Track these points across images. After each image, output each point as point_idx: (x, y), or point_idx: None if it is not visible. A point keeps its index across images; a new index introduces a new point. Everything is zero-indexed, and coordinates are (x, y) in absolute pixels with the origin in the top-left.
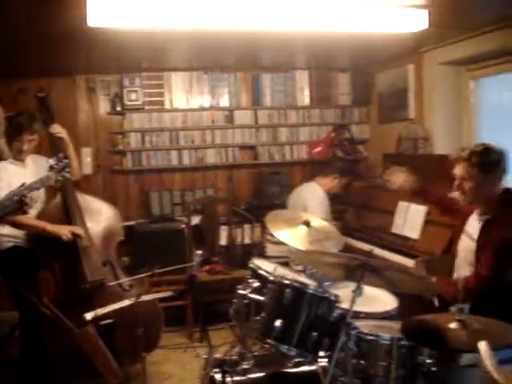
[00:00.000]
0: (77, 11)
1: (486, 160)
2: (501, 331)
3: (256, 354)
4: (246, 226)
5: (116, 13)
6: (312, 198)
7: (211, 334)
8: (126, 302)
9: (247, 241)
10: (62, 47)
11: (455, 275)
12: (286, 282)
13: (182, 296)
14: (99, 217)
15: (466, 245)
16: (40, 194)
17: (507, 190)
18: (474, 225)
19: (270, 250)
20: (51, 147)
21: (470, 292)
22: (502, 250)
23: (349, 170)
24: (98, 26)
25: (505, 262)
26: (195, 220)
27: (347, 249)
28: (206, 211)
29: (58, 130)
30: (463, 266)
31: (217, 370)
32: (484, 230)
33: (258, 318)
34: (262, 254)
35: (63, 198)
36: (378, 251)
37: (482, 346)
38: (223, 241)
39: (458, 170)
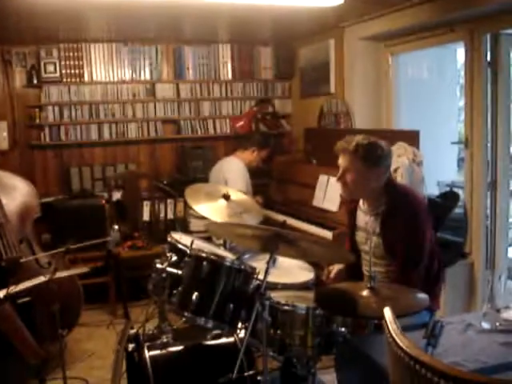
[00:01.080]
0: None
1: (372, 154)
2: (409, 298)
3: (174, 327)
4: (169, 201)
5: None
6: (232, 171)
7: (135, 310)
8: (40, 279)
9: (170, 216)
10: None
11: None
12: (203, 254)
13: (104, 272)
14: (14, 193)
15: (363, 238)
16: None
17: (388, 183)
18: (366, 220)
19: (194, 224)
20: None
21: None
22: (410, 238)
23: (267, 142)
24: None
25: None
26: (117, 195)
27: (268, 222)
28: (128, 186)
29: None
30: (375, 262)
31: (132, 344)
32: (385, 224)
33: (175, 291)
34: (186, 229)
35: None
36: (298, 224)
37: (387, 311)
38: (146, 216)
39: (343, 161)
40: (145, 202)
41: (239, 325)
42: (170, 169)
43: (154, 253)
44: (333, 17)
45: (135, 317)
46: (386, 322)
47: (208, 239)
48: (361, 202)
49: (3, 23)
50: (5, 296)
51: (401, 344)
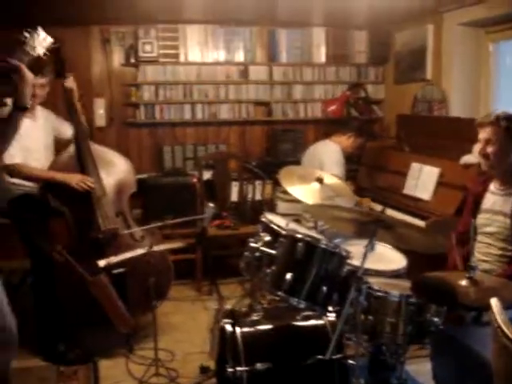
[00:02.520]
0: None
1: None
2: (510, 290)
3: (265, 306)
4: (257, 183)
5: None
6: (328, 155)
7: (220, 288)
8: (138, 251)
9: (258, 197)
10: None
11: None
12: (299, 236)
13: (192, 249)
14: (113, 168)
15: (488, 221)
16: (49, 144)
17: None
18: (494, 200)
19: (281, 207)
20: (64, 100)
21: None
22: None
23: (365, 130)
24: None
25: None
26: (207, 175)
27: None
28: (218, 167)
29: (70, 84)
30: (490, 244)
31: (227, 320)
32: None
33: (268, 270)
34: (273, 211)
35: (77, 148)
36: (388, 211)
37: (494, 301)
38: (234, 197)
39: (483, 134)
40: (233, 183)
41: (330, 308)
42: (260, 151)
43: (241, 233)
44: (431, 1)
45: (217, 294)
46: (493, 312)
47: (297, 222)
48: (492, 184)
49: (103, 3)
50: (105, 265)
51: (510, 335)
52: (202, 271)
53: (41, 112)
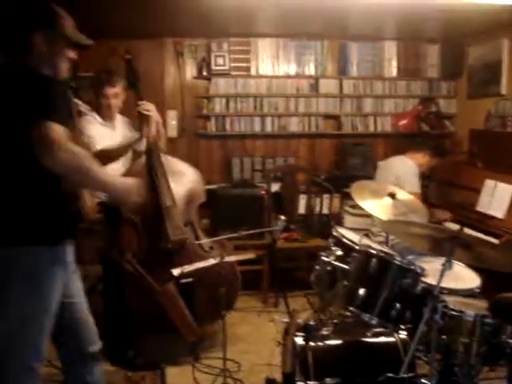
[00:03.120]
0: None
1: None
2: None
3: (335, 321)
4: (325, 196)
5: None
6: (405, 171)
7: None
8: (211, 261)
9: (325, 211)
10: (154, 11)
11: None
12: (373, 251)
13: (260, 261)
14: (183, 178)
15: None
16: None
17: None
18: None
19: (348, 221)
20: (139, 123)
21: None
22: None
23: (440, 150)
24: None
25: None
26: (275, 187)
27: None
28: (286, 179)
29: (146, 107)
30: None
31: (299, 333)
32: None
33: (341, 285)
34: (340, 225)
35: (148, 158)
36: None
37: None
38: (301, 209)
39: None
40: (301, 196)
41: (402, 325)
42: (328, 164)
43: (308, 246)
44: (507, 15)
45: (285, 306)
46: None
47: (366, 236)
48: None
49: (177, 17)
50: (179, 274)
51: None
52: (268, 283)
53: (119, 121)
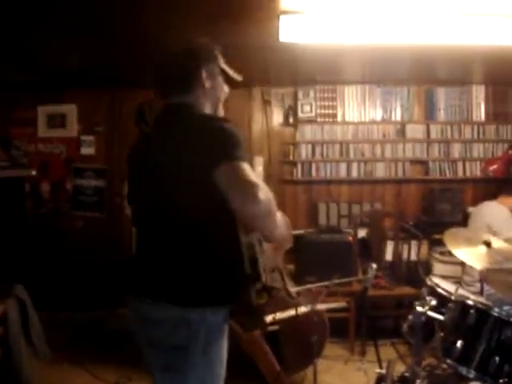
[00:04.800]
0: (267, 28)
1: None
2: None
3: (429, 372)
4: (413, 243)
5: (305, 28)
6: (498, 218)
7: (371, 349)
8: (302, 309)
9: (413, 257)
10: (245, 60)
11: None
12: (470, 302)
13: (348, 308)
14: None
15: None
16: None
17: None
18: None
19: (438, 268)
20: None
21: None
22: None
23: None
24: (286, 41)
25: None
26: (361, 233)
27: None
28: (373, 225)
29: None
30: None
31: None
32: None
33: (437, 336)
34: (429, 273)
35: None
36: None
37: None
38: (388, 256)
39: None
40: (388, 242)
41: (502, 380)
42: (416, 210)
43: (396, 294)
44: None
45: (372, 356)
46: None
47: (457, 284)
48: None
49: (267, 66)
50: (271, 321)
51: None
52: (354, 331)
53: None
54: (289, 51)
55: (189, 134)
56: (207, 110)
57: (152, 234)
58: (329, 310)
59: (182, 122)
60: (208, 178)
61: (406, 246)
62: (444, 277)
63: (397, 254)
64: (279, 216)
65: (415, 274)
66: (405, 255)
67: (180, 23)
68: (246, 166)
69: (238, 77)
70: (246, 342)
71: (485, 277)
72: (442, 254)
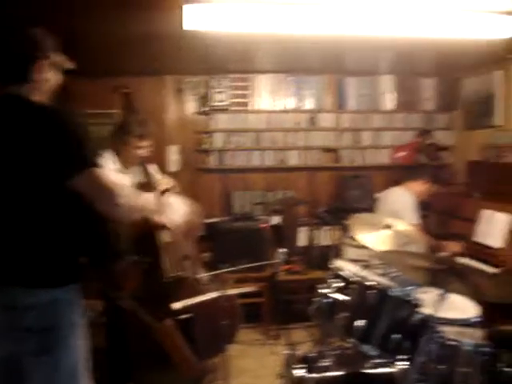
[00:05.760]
0: (172, 16)
1: None
2: None
3: (335, 352)
4: (325, 228)
5: (209, 17)
6: (402, 205)
7: (285, 333)
8: (211, 295)
9: (325, 243)
10: (156, 49)
11: None
12: (370, 283)
13: (261, 293)
14: (180, 212)
15: None
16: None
17: None
18: None
19: (349, 253)
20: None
21: None
22: None
23: (440, 177)
24: (192, 30)
25: None
26: (275, 220)
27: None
28: (286, 212)
29: (164, 184)
30: None
31: (299, 365)
32: None
33: (339, 317)
34: (341, 257)
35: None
36: (460, 258)
37: None
38: (302, 242)
39: None
40: (302, 228)
41: (401, 356)
42: (328, 197)
43: (309, 278)
44: (501, 48)
45: (287, 339)
46: None
47: (366, 268)
48: None
49: (178, 55)
50: (181, 308)
51: None
52: (269, 315)
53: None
54: (194, 40)
55: (29, 128)
56: (40, 99)
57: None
58: (243, 296)
59: (18, 114)
60: (56, 179)
61: (318, 232)
62: (355, 260)
63: (310, 239)
64: (145, 200)
65: (327, 259)
66: (318, 241)
67: (88, 10)
68: (99, 172)
69: (70, 65)
70: (158, 332)
71: (387, 259)
72: (352, 238)
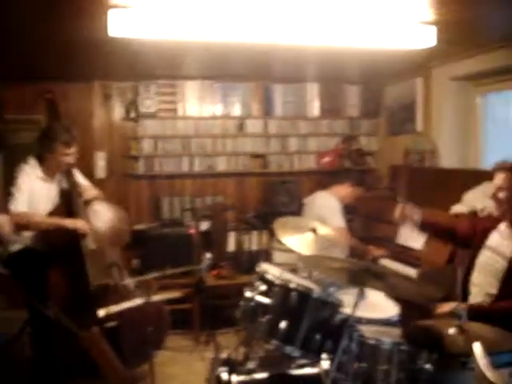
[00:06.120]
0: (98, 22)
1: None
2: (497, 337)
3: (260, 355)
4: (254, 233)
5: (135, 24)
6: (328, 209)
7: (218, 338)
8: (136, 301)
9: (254, 247)
10: (82, 55)
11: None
12: (292, 285)
13: (190, 299)
14: (105, 219)
15: (490, 259)
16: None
17: None
18: (500, 241)
19: (277, 257)
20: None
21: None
22: None
23: (363, 180)
24: (117, 36)
25: None
26: (204, 226)
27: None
28: (215, 217)
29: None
30: (481, 281)
31: (223, 368)
32: None
33: (263, 319)
34: (270, 261)
35: (68, 199)
36: (383, 260)
37: (476, 346)
38: (231, 247)
39: (498, 180)
40: (230, 233)
41: (324, 356)
42: (256, 202)
43: (238, 282)
44: (421, 57)
45: (215, 344)
46: (475, 357)
47: (293, 271)
48: (502, 224)
49: (105, 61)
50: (105, 315)
51: (491, 379)
52: (199, 321)
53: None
54: (121, 46)
55: None
56: None
57: None
58: (172, 302)
59: None
60: None
61: (247, 237)
62: (283, 264)
63: (238, 244)
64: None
65: (256, 263)
66: (247, 246)
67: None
68: None
69: None
70: (84, 340)
71: (310, 262)
72: (280, 242)
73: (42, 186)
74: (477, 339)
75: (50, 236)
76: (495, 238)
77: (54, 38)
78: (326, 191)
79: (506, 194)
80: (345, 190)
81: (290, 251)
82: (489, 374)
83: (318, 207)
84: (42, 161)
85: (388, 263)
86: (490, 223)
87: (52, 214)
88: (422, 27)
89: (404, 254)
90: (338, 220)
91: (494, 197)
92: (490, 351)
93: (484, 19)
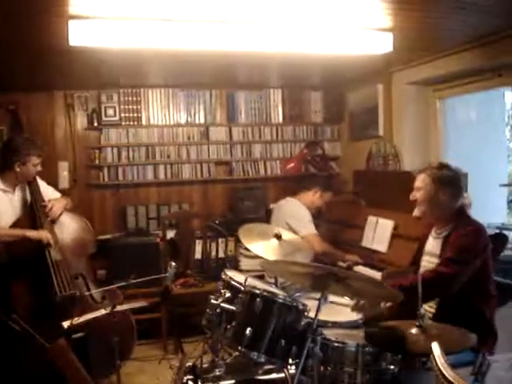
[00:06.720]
0: (59, 32)
1: (441, 173)
2: (456, 336)
3: (227, 361)
4: (221, 240)
5: (96, 33)
6: (294, 213)
7: (185, 347)
8: (101, 312)
9: (221, 255)
10: (44, 64)
11: None
12: (257, 291)
13: (157, 308)
14: (69, 229)
15: (428, 263)
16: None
17: (460, 212)
18: (433, 243)
19: (244, 263)
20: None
21: (425, 285)
22: (459, 252)
23: (330, 185)
24: (79, 45)
25: (461, 266)
26: (170, 234)
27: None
28: (181, 225)
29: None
30: None
31: (188, 376)
32: (444, 248)
33: (228, 326)
34: (237, 268)
35: (32, 210)
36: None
37: (434, 346)
38: (197, 254)
39: (416, 181)
40: (197, 241)
41: (290, 360)
42: (222, 209)
43: (205, 290)
44: (381, 63)
45: (187, 352)
46: (434, 356)
47: (260, 277)
48: (434, 228)
49: (67, 70)
50: (69, 326)
51: (449, 378)
52: (167, 330)
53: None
54: (83, 55)
55: None
56: None
57: None
58: (139, 312)
59: None
60: None
61: (214, 244)
62: (250, 271)
63: (205, 252)
64: None
65: (223, 270)
66: (213, 253)
67: None
68: None
69: None
70: (50, 352)
71: (274, 268)
72: (246, 249)
73: (2, 197)
74: (437, 339)
75: (14, 248)
76: (430, 242)
77: (14, 48)
78: (294, 198)
79: (423, 194)
80: (311, 197)
81: (257, 257)
82: (447, 373)
83: (285, 213)
84: (1, 173)
85: (363, 270)
86: (428, 229)
87: (15, 225)
88: (379, 34)
89: (369, 257)
90: (310, 227)
91: (411, 198)
92: (450, 350)
93: (440, 26)
